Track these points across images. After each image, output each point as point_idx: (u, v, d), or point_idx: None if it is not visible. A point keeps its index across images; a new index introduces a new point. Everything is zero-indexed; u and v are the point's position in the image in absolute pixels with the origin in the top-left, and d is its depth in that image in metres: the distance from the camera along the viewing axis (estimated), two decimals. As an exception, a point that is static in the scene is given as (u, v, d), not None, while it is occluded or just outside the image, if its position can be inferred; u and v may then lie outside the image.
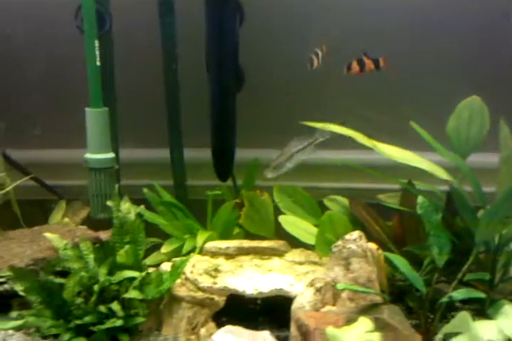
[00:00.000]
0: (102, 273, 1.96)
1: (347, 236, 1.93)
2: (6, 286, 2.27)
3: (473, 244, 2.02)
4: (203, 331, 2.01)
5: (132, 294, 1.93)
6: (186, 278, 2.06)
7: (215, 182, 2.72)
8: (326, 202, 2.57)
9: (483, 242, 2.04)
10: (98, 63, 2.47)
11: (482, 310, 1.99)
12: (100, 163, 2.56)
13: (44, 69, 2.83)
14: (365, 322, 1.60)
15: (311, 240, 2.35)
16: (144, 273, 2.02)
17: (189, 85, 2.69)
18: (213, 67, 2.42)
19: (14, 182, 2.62)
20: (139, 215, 2.23)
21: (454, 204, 2.17)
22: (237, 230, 2.43)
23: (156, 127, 2.77)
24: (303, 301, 1.91)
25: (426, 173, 2.35)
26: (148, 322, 2.05)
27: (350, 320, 1.67)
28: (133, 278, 2.01)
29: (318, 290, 1.90)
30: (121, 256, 2.04)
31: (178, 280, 2.06)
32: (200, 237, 2.24)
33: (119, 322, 1.87)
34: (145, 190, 2.59)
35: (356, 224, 2.30)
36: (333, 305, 1.92)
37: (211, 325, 2.03)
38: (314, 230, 2.39)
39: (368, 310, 1.78)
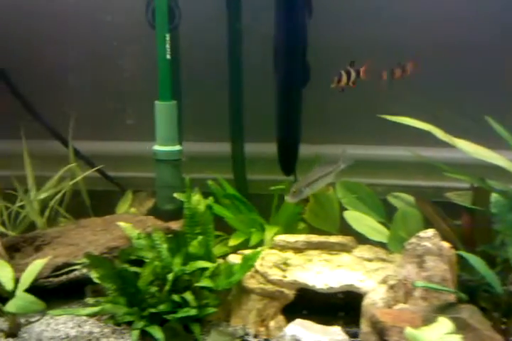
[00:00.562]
0: (177, 262, 2.00)
1: (421, 234, 1.91)
2: (77, 273, 2.38)
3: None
4: (272, 323, 2.03)
5: (205, 283, 1.97)
6: (256, 271, 2.08)
7: (274, 177, 2.74)
8: (390, 199, 2.54)
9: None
10: (168, 57, 2.53)
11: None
12: (168, 155, 2.63)
13: (113, 63, 2.88)
14: (445, 323, 1.57)
15: (376, 236, 2.34)
16: (216, 264, 2.06)
17: (253, 80, 2.71)
18: (281, 61, 2.42)
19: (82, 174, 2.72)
20: (208, 207, 2.27)
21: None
22: (302, 225, 2.44)
23: (218, 121, 2.82)
24: (375, 298, 1.90)
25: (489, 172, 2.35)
26: (216, 313, 2.09)
27: (427, 319, 1.65)
28: (205, 269, 2.06)
29: (392, 287, 1.89)
30: (194, 246, 2.08)
31: (248, 273, 2.08)
32: (269, 231, 2.26)
33: (193, 312, 1.91)
34: (210, 183, 2.62)
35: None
36: (405, 303, 1.91)
37: (280, 317, 2.05)
38: (379, 227, 2.38)
39: (444, 309, 1.75)
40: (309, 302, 2.16)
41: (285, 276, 2.05)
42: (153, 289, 1.98)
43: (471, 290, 2.17)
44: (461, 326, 1.62)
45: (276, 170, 2.78)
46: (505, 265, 2.05)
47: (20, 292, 1.92)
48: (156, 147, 2.62)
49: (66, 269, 2.14)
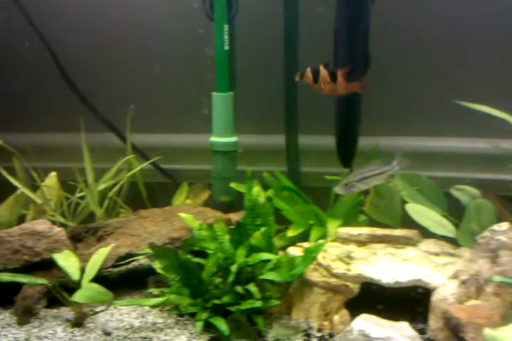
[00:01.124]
0: (240, 254, 1.99)
1: (495, 227, 1.83)
2: (136, 264, 2.40)
3: None
4: (336, 318, 1.99)
5: (270, 276, 1.95)
6: (319, 264, 2.04)
7: (326, 169, 2.69)
8: (454, 192, 2.46)
9: None
10: (227, 48, 2.51)
11: None
12: (224, 147, 2.62)
13: (169, 55, 2.86)
14: (527, 321, 1.51)
15: (440, 230, 2.27)
16: (279, 256, 2.03)
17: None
18: (342, 50, 2.36)
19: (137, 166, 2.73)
20: (269, 199, 2.25)
21: None
22: (362, 217, 2.39)
23: (272, 113, 2.78)
24: (445, 293, 1.84)
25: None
26: (278, 306, 2.05)
27: (505, 316, 1.59)
28: (267, 261, 2.04)
29: (464, 282, 1.82)
30: (256, 238, 2.05)
31: (310, 266, 2.05)
32: (331, 223, 2.22)
33: (258, 304, 1.89)
34: (265, 175, 2.60)
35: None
36: (476, 299, 1.85)
37: (344, 312, 2.01)
38: (443, 220, 2.31)
39: (522, 306, 1.69)
40: (370, 297, 2.13)
41: (349, 270, 2.00)
42: (217, 280, 1.98)
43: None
44: (543, 324, 1.55)
45: (328, 162, 2.74)
46: None
47: (86, 282, 1.95)
48: (213, 138, 2.62)
49: (128, 260, 2.16)
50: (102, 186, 2.64)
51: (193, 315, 2.06)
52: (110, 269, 2.28)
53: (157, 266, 2.08)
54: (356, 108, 2.44)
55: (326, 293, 2.01)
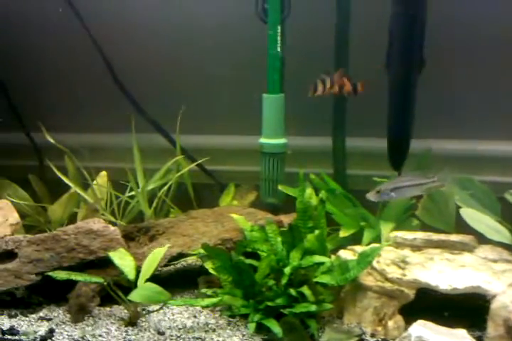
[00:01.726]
0: (295, 256, 1.98)
1: (560, 234, 1.78)
2: (184, 263, 2.41)
3: None
4: (390, 323, 1.95)
5: (324, 279, 1.93)
6: (372, 268, 2.02)
7: (372, 172, 2.65)
8: (508, 197, 2.40)
9: None
10: (279, 49, 2.50)
11: None
12: (273, 148, 2.61)
13: (218, 56, 2.86)
14: None
15: (496, 236, 2.20)
16: (332, 259, 2.01)
17: (357, 73, 2.64)
18: (398, 49, 2.32)
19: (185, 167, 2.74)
20: (321, 201, 2.23)
21: None
22: (415, 222, 2.35)
23: (320, 115, 2.76)
24: (506, 301, 1.79)
25: None
26: (329, 309, 2.04)
27: None
28: (321, 264, 2.02)
29: (526, 290, 1.78)
30: (309, 241, 2.04)
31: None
32: (385, 227, 2.19)
33: (313, 308, 1.87)
34: (312, 177, 2.58)
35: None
36: (538, 307, 1.79)
37: (398, 317, 1.97)
38: (498, 226, 2.25)
39: None
40: (422, 303, 2.09)
41: (405, 275, 1.96)
42: (271, 282, 1.97)
43: None
44: None
45: (373, 165, 2.72)
46: None
47: (142, 281, 1.96)
48: (262, 140, 2.62)
49: (181, 260, 2.17)
50: (151, 186, 2.66)
51: (244, 316, 2.06)
52: (159, 268, 2.31)
53: (209, 266, 2.09)
54: (410, 110, 2.40)
55: (380, 297, 1.98)
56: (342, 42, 2.58)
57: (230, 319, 2.07)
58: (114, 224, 2.59)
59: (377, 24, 2.49)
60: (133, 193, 2.68)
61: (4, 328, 2.04)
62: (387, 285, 1.97)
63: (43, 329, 2.04)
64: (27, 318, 2.12)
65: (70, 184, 2.60)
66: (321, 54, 2.67)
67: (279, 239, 2.09)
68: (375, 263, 2.03)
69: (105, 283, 1.99)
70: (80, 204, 2.66)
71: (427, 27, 2.32)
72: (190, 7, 2.81)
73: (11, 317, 2.13)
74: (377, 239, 2.28)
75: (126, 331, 2.00)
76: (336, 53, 2.60)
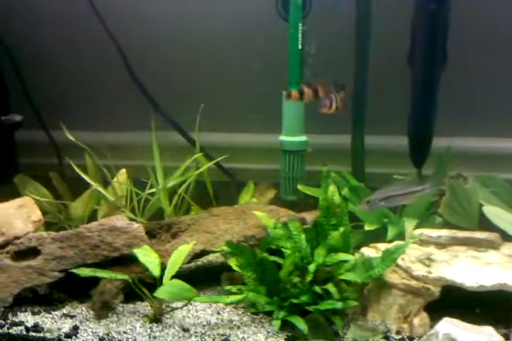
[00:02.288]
0: (319, 254, 1.97)
1: None
2: (204, 261, 2.41)
3: None
4: (416, 321, 1.95)
5: (349, 277, 1.92)
6: (397, 265, 2.01)
7: (390, 170, 2.65)
8: (530, 195, 2.40)
9: None
10: (300, 47, 2.49)
11: None
12: (294, 146, 2.61)
13: (239, 54, 2.85)
14: None
15: (520, 234, 2.22)
16: (357, 257, 2.01)
17: (378, 71, 2.62)
18: (421, 47, 2.30)
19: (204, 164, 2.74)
20: (344, 198, 2.23)
21: None
22: (438, 219, 2.34)
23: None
24: (534, 298, 1.79)
25: None
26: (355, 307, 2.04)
27: None
28: (345, 261, 2.01)
29: (555, 288, 1.77)
30: (334, 238, 2.03)
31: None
32: (409, 224, 2.18)
33: (339, 305, 1.87)
34: (333, 174, 2.57)
35: None
36: None
37: (424, 315, 1.97)
38: (522, 224, 2.25)
39: None
40: (445, 300, 2.08)
41: (430, 272, 1.95)
42: (296, 280, 1.96)
43: None
44: None
45: (391, 162, 2.73)
46: None
47: (167, 278, 1.97)
48: (283, 137, 2.62)
49: (205, 256, 2.17)
50: (171, 183, 2.66)
51: (268, 313, 2.06)
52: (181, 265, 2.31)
53: (233, 263, 2.09)
54: (433, 107, 2.39)
55: (405, 295, 1.97)
56: (363, 38, 2.56)
57: (254, 316, 2.07)
58: (134, 221, 2.61)
59: (398, 19, 2.51)
60: (152, 190, 2.70)
61: (28, 325, 2.04)
62: (413, 282, 1.96)
63: (67, 326, 2.04)
64: (50, 315, 2.12)
65: (91, 181, 2.60)
66: (341, 51, 2.68)
67: (303, 236, 2.09)
68: (399, 261, 2.02)
69: (130, 280, 1.99)
70: (100, 202, 2.67)
71: (450, 22, 2.31)
72: (211, 4, 2.81)
73: (34, 314, 2.13)
74: (400, 236, 2.27)
75: (150, 328, 2.00)
76: (357, 51, 2.59)
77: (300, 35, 2.45)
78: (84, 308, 2.16)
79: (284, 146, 2.59)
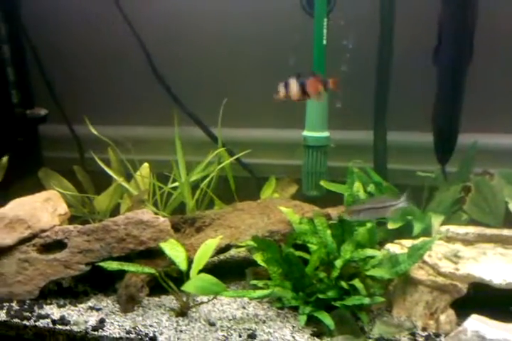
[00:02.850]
0: (347, 249, 1.97)
1: None
2: (227, 255, 2.41)
3: None
4: (442, 317, 1.94)
5: (377, 272, 1.92)
6: (423, 261, 2.00)
7: (412, 167, 2.65)
8: (557, 192, 2.37)
9: None
10: (324, 42, 2.48)
11: None
12: (317, 141, 2.60)
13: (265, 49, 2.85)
14: None
15: (546, 232, 2.20)
16: (384, 252, 2.00)
17: (402, 67, 2.60)
18: (448, 41, 2.28)
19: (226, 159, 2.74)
20: (370, 194, 2.22)
21: None
22: (464, 216, 2.32)
23: (361, 109, 2.74)
24: None
25: None
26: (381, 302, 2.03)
27: None
28: (372, 257, 2.01)
29: None
30: (360, 234, 2.03)
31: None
32: (435, 220, 2.17)
33: (366, 300, 1.86)
34: (355, 170, 2.56)
35: None
36: None
37: (450, 312, 1.96)
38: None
39: None
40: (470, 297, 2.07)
41: (458, 269, 1.94)
42: (322, 275, 1.96)
43: None
44: None
45: (414, 159, 2.73)
46: None
47: (195, 272, 1.97)
48: (306, 133, 2.61)
49: (233, 251, 2.17)
50: (193, 178, 2.67)
51: (293, 308, 2.06)
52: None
53: (258, 258, 2.09)
54: (459, 103, 2.37)
55: (432, 291, 1.96)
56: (386, 34, 2.55)
57: (279, 310, 2.07)
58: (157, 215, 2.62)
59: (421, 14, 2.49)
60: (175, 185, 2.71)
61: (55, 318, 2.06)
62: (440, 279, 1.95)
63: (93, 319, 2.05)
64: (76, 308, 2.14)
65: (114, 176, 2.61)
66: (363, 46, 2.66)
67: (328, 231, 2.08)
68: (426, 257, 2.02)
69: (157, 274, 2.00)
70: (122, 196, 2.69)
71: (477, 18, 2.29)
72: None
73: (60, 306, 2.14)
74: (426, 232, 2.26)
75: (177, 321, 2.01)
76: (379, 46, 2.57)
77: (325, 31, 2.44)
78: (109, 301, 2.18)
79: (308, 142, 2.58)
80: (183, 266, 1.98)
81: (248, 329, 1.96)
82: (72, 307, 2.14)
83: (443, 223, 2.33)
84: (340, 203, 2.48)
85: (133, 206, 2.43)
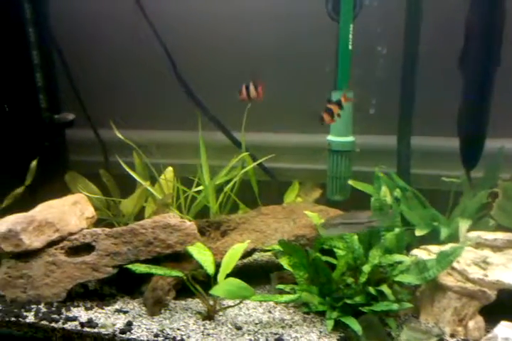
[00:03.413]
0: (375, 255, 1.96)
1: None
2: (250, 259, 2.41)
3: None
4: (471, 324, 1.93)
5: (406, 278, 1.91)
6: (452, 268, 1.99)
7: (437, 172, 2.65)
8: None
9: None
10: (350, 47, 2.48)
11: None
12: (342, 146, 2.60)
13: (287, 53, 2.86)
14: None
15: None
16: (412, 258, 1.99)
17: (427, 72, 2.60)
18: (477, 49, 2.26)
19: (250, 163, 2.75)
20: (396, 200, 2.21)
21: None
22: (491, 222, 2.30)
23: (385, 114, 2.74)
24: None
25: None
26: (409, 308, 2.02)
27: None
28: (399, 262, 2.00)
29: None
30: (388, 239, 2.03)
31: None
32: (463, 226, 2.15)
33: (395, 306, 1.86)
34: (380, 175, 2.56)
35: None
36: None
37: (479, 318, 1.94)
38: None
39: None
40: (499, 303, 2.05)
41: (486, 275, 1.93)
42: (350, 280, 1.96)
43: None
44: None
45: (438, 164, 2.72)
46: None
47: (222, 277, 1.98)
48: (331, 137, 2.61)
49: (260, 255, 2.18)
50: (217, 181, 2.67)
51: (318, 313, 2.06)
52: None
53: (285, 262, 2.09)
54: (486, 108, 2.35)
55: (460, 298, 1.95)
56: (412, 39, 2.55)
57: (305, 315, 2.07)
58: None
59: (446, 19, 2.49)
60: (198, 189, 2.72)
61: (82, 320, 2.07)
62: (469, 285, 1.94)
63: (120, 321, 2.06)
64: (103, 310, 2.15)
65: (139, 179, 2.63)
66: (388, 52, 2.67)
67: (355, 236, 2.08)
68: (455, 263, 2.00)
69: (185, 277, 2.01)
70: (147, 199, 2.70)
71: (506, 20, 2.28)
72: (260, 5, 2.81)
73: (87, 309, 2.16)
74: (452, 238, 2.25)
75: (203, 325, 2.02)
76: (405, 51, 2.58)
77: (351, 36, 2.44)
78: (135, 304, 2.19)
79: (332, 146, 2.58)
80: (210, 269, 1.99)
81: (275, 334, 1.96)
82: (99, 310, 2.16)
83: (469, 229, 2.33)
84: (362, 208, 2.49)
85: (158, 210, 2.45)
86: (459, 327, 1.95)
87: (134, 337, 1.97)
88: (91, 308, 2.17)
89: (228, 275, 2.04)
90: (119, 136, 2.71)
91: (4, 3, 2.42)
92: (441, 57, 2.55)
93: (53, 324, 2.06)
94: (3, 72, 2.49)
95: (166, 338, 1.95)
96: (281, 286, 2.06)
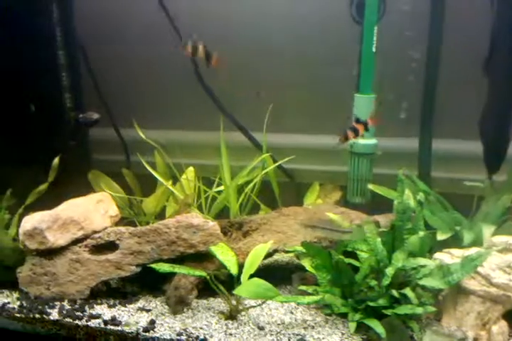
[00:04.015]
0: (399, 258, 1.96)
1: None
2: (271, 259, 2.41)
3: None
4: (495, 328, 1.92)
5: (429, 282, 1.91)
6: (476, 272, 1.98)
7: (458, 175, 2.66)
8: None
9: None
10: (374, 49, 2.49)
11: None
12: (364, 148, 2.60)
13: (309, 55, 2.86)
14: None
15: None
16: (436, 262, 1.99)
17: (450, 73, 2.59)
18: (504, 52, 2.26)
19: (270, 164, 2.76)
20: (419, 203, 2.21)
21: None
22: (515, 225, 2.29)
23: (407, 116, 2.74)
24: None
25: None
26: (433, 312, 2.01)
27: None
28: (423, 266, 2.00)
29: None
30: (411, 242, 2.02)
31: (466, 273, 1.99)
32: (487, 230, 2.14)
33: (419, 310, 1.85)
34: (402, 178, 2.55)
35: None
36: None
37: (503, 323, 1.94)
38: None
39: None
40: None
41: (511, 280, 1.93)
42: (373, 283, 1.96)
43: None
44: None
45: (459, 168, 2.71)
46: None
47: (246, 277, 1.99)
48: (353, 140, 2.60)
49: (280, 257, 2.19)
50: (238, 182, 2.68)
51: (341, 314, 2.06)
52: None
53: (307, 263, 2.10)
54: (510, 112, 2.34)
55: (484, 302, 1.94)
56: (434, 41, 2.55)
57: (327, 317, 2.08)
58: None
59: (470, 23, 2.49)
60: (219, 189, 2.73)
61: (106, 318, 2.09)
62: (493, 289, 1.93)
63: (143, 320, 2.08)
64: (126, 308, 2.17)
65: (161, 179, 2.65)
66: (411, 55, 2.66)
67: (378, 239, 2.08)
68: (479, 268, 1.99)
69: (208, 277, 2.02)
70: (168, 198, 2.72)
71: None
72: (282, 7, 2.82)
73: (110, 307, 2.18)
74: (475, 242, 2.24)
75: (226, 324, 2.03)
76: (428, 54, 2.57)
77: (375, 38, 2.45)
78: (158, 302, 2.21)
79: (354, 149, 2.59)
80: (234, 270, 2.00)
81: (297, 335, 1.97)
82: (122, 308, 2.18)
83: (493, 233, 2.32)
84: (383, 211, 2.49)
85: (180, 209, 2.46)
86: (483, 331, 1.94)
87: (157, 335, 1.99)
88: (114, 306, 2.19)
89: (251, 276, 2.05)
90: (142, 135, 2.74)
91: (34, 4, 2.46)
92: (463, 60, 2.54)
93: (77, 321, 2.08)
94: (31, 72, 2.52)
95: (189, 337, 1.96)
96: (303, 287, 2.07)
